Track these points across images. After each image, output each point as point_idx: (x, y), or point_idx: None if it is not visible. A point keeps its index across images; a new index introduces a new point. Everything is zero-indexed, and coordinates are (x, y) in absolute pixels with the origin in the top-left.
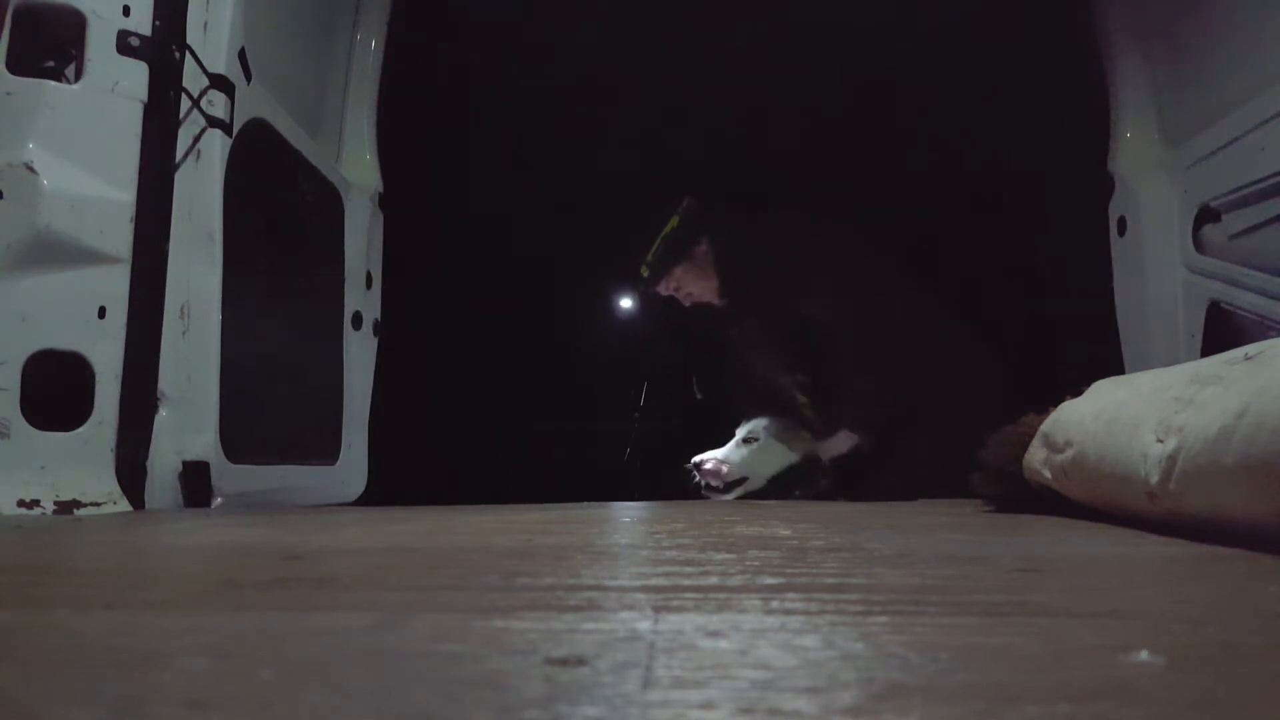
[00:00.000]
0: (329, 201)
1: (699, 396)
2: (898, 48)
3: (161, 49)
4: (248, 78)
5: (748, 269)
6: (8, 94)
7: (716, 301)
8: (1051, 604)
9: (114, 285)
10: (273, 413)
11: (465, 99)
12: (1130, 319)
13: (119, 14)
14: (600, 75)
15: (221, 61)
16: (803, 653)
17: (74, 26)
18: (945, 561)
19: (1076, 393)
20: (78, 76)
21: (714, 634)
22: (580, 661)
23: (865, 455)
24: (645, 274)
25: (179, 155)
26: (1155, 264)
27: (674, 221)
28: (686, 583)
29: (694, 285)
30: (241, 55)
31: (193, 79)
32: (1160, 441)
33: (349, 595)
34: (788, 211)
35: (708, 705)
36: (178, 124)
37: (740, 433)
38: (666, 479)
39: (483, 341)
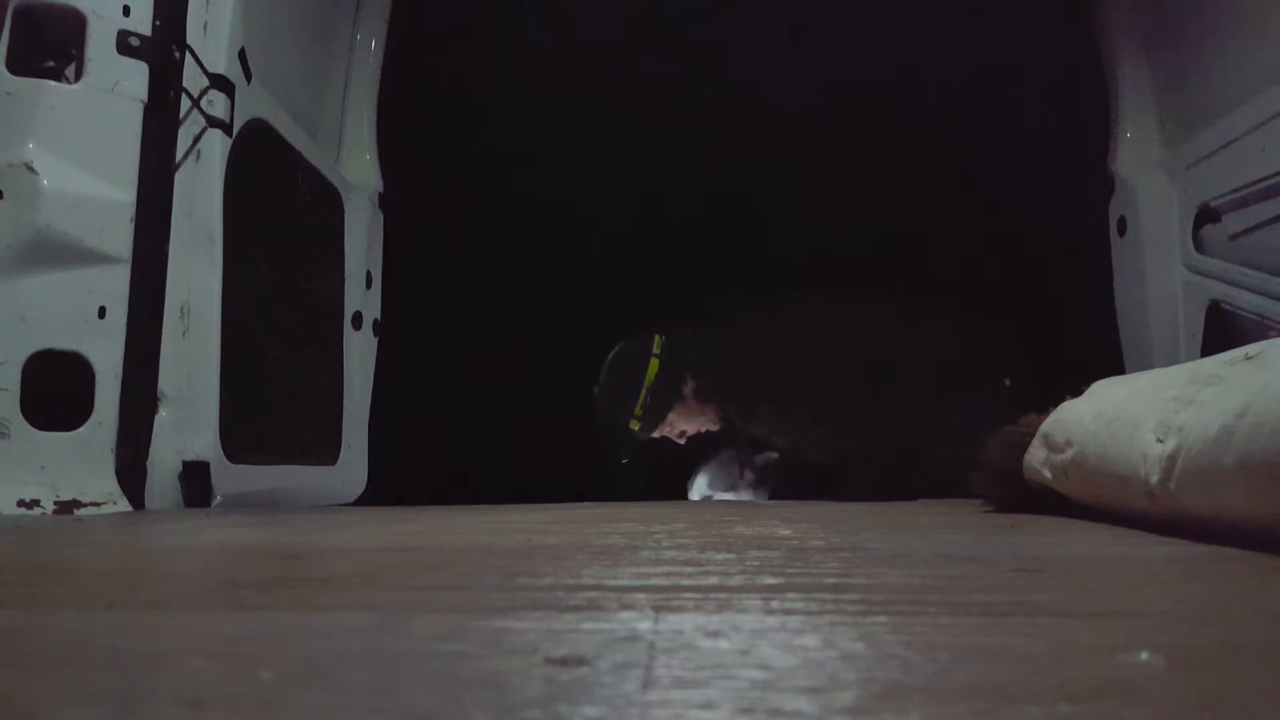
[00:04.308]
0: (329, 201)
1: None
2: (897, 48)
3: (161, 49)
4: (248, 78)
5: (741, 397)
6: (8, 94)
7: (715, 428)
8: (1051, 604)
9: (114, 285)
10: (273, 413)
11: (465, 99)
12: (1130, 319)
13: (119, 14)
14: (600, 74)
15: (221, 61)
16: (803, 653)
17: (74, 26)
18: (945, 561)
19: (1076, 393)
20: (78, 76)
21: (714, 634)
22: (580, 661)
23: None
24: (637, 428)
25: (179, 155)
26: (1155, 264)
27: (654, 367)
28: (686, 583)
29: (691, 423)
30: (241, 55)
31: (193, 79)
32: (1160, 441)
33: (349, 595)
34: (755, 306)
35: (708, 705)
36: (178, 124)
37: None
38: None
39: (482, 341)
